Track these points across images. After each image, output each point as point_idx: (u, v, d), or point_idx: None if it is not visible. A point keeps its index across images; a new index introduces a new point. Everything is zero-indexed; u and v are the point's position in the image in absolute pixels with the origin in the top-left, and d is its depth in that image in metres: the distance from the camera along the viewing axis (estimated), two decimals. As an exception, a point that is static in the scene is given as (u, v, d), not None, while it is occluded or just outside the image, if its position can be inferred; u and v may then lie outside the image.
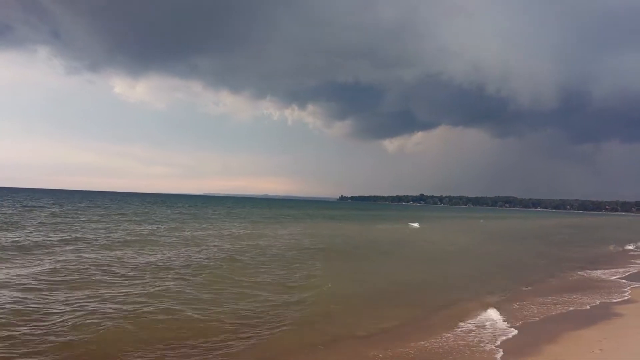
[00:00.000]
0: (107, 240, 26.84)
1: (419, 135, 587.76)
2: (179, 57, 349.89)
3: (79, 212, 54.08)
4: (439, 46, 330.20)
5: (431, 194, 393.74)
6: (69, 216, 46.61)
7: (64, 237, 26.92)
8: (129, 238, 28.50)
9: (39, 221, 37.82)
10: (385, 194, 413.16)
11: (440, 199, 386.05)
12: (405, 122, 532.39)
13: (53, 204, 76.58)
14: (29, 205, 67.22)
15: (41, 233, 28.87)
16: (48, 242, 24.65)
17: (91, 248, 23.27)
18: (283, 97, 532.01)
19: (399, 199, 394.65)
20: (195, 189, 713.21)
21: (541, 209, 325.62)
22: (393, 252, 30.20)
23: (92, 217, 46.32)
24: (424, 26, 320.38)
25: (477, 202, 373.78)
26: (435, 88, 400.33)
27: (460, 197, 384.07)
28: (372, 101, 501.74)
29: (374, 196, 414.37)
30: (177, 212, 69.66)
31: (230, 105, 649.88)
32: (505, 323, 12.79)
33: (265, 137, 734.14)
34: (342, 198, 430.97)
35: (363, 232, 46.27)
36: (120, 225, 38.15)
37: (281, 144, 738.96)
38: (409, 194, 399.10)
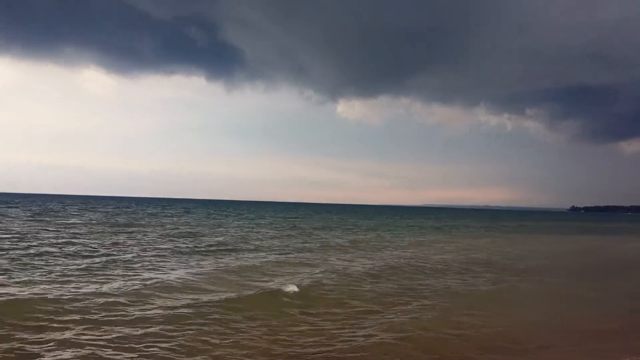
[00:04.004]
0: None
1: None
2: (396, 80, 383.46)
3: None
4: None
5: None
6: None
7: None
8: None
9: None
10: (627, 204, 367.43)
11: None
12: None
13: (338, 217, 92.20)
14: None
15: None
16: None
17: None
18: (500, 104, 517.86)
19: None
20: (413, 200, 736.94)
21: None
22: None
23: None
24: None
25: None
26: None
27: None
28: (600, 102, 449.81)
29: (612, 206, 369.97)
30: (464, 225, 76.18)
31: (443, 115, 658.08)
32: None
33: (483, 145, 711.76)
34: (574, 208, 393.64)
35: None
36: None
37: (500, 152, 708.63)
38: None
